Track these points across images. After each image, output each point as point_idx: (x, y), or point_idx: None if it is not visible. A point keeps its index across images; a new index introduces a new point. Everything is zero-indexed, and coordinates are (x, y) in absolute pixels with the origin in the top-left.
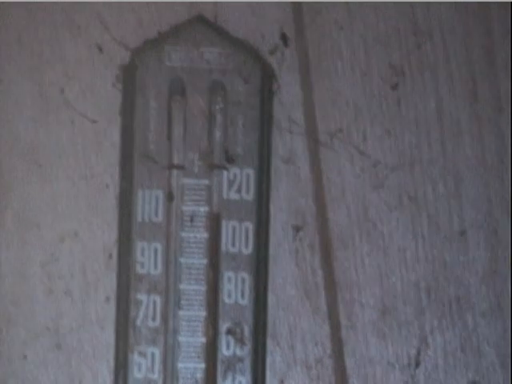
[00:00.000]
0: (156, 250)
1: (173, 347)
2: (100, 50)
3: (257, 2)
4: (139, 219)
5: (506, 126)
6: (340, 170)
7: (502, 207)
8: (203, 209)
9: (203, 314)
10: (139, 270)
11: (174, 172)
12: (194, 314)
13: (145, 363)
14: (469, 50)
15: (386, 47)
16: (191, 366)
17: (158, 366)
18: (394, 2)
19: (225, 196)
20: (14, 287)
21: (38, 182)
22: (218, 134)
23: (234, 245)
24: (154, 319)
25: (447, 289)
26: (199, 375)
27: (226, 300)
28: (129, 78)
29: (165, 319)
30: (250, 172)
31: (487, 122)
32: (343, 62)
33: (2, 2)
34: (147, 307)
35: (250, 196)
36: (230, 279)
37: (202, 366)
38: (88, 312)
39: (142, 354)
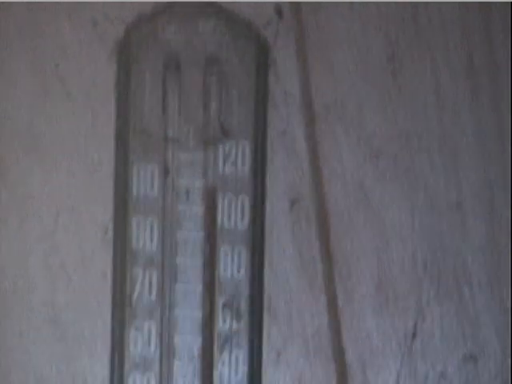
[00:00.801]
0: (152, 225)
1: (169, 321)
2: (94, 23)
3: None
4: (134, 194)
5: (504, 95)
6: (336, 141)
7: (499, 178)
8: (199, 182)
9: (200, 288)
10: (135, 244)
11: (169, 146)
12: (190, 288)
13: (141, 338)
14: (466, 20)
15: (382, 19)
16: (188, 339)
17: (154, 340)
18: None
19: (220, 169)
20: (9, 263)
21: (34, 156)
22: (213, 107)
23: (230, 218)
24: (150, 294)
25: (444, 260)
26: (196, 349)
27: (223, 274)
28: (123, 52)
29: (161, 293)
30: (246, 145)
31: (484, 91)
32: (339, 34)
33: None
34: (143, 282)
35: (245, 169)
36: (226, 253)
37: (199, 339)
38: (84, 287)
39: (139, 329)
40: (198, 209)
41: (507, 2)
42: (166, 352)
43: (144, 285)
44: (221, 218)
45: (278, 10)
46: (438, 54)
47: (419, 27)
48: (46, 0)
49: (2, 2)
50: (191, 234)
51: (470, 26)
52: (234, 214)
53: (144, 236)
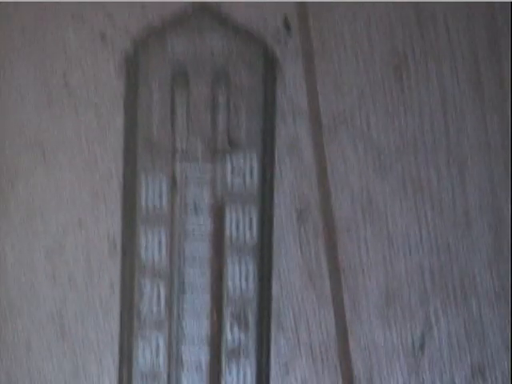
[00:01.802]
0: (160, 237)
1: (177, 333)
2: (103, 38)
3: None
4: (143, 206)
5: (509, 109)
6: (343, 154)
7: (505, 191)
8: (207, 194)
9: (207, 299)
10: (143, 256)
11: (178, 158)
12: (198, 300)
13: (149, 349)
14: (472, 34)
15: (388, 32)
16: (196, 351)
17: (162, 352)
18: None
19: (229, 181)
20: (18, 276)
21: (43, 170)
22: (221, 120)
23: (238, 230)
24: (158, 304)
25: (451, 273)
26: (204, 361)
27: (230, 284)
28: (132, 65)
29: (169, 306)
30: (254, 157)
31: (490, 106)
32: (346, 48)
33: None
34: (151, 294)
35: (253, 181)
36: (234, 265)
37: (207, 351)
38: (92, 299)
39: (147, 340)
40: (206, 221)
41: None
42: (174, 363)
43: (152, 297)
44: (229, 229)
45: (286, 23)
46: (444, 65)
47: (426, 39)
48: (54, 12)
49: (12, 18)
50: (199, 246)
51: (477, 37)
52: (242, 226)
53: (152, 248)
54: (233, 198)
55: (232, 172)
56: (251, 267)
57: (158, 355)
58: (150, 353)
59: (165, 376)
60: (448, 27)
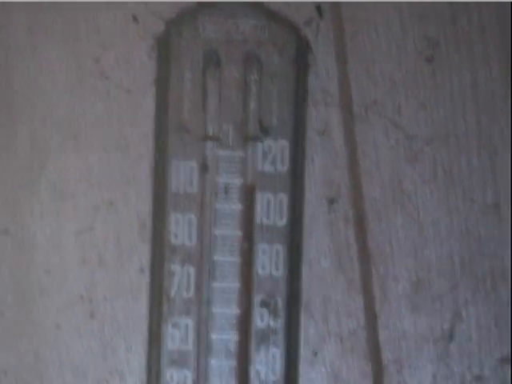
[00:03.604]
0: (190, 221)
1: (206, 318)
2: (135, 20)
3: None
4: (173, 190)
5: None
6: (374, 142)
7: None
8: (238, 180)
9: (237, 285)
10: (173, 240)
11: (209, 143)
12: (227, 285)
13: (178, 334)
14: (504, 22)
15: (421, 19)
16: (225, 337)
17: (191, 337)
18: None
19: (259, 168)
20: (48, 257)
21: (73, 152)
22: (252, 105)
23: (268, 217)
24: (187, 290)
25: (481, 262)
26: (232, 346)
27: (260, 272)
28: (164, 48)
29: (199, 290)
30: (285, 144)
31: None
32: (378, 34)
33: None
34: (181, 278)
35: (284, 168)
36: (264, 251)
37: (236, 337)
38: (121, 282)
39: (176, 325)
40: (236, 206)
41: None
42: (203, 349)
43: (182, 281)
44: (259, 215)
45: (319, 9)
46: (476, 52)
47: (458, 28)
48: None
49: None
50: (229, 232)
51: (509, 26)
52: (272, 213)
53: (182, 232)
54: (263, 183)
55: (263, 158)
56: (281, 253)
57: (186, 339)
58: (178, 337)
59: (194, 362)
60: (480, 14)
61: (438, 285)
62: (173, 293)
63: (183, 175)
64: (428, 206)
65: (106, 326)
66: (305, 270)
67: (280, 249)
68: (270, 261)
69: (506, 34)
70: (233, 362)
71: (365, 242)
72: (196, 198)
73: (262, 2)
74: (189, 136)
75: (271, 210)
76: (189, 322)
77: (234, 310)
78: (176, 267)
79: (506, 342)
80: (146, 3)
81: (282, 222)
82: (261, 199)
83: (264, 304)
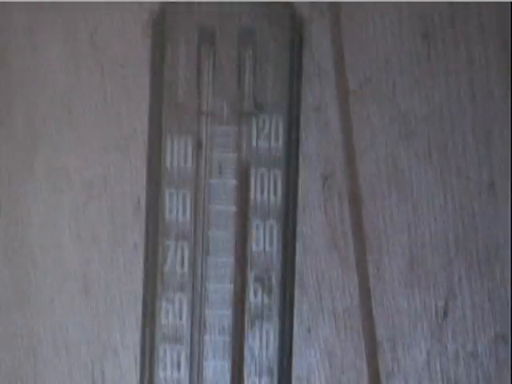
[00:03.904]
0: (184, 197)
1: (200, 294)
2: None
3: None
4: (168, 166)
5: None
6: (369, 119)
7: None
8: (232, 156)
9: (231, 261)
10: (167, 216)
11: (203, 119)
12: (222, 260)
13: (172, 310)
14: (500, 1)
15: None
16: (219, 313)
17: (185, 312)
18: None
19: (254, 143)
20: (42, 233)
21: (68, 129)
22: (247, 81)
23: (262, 192)
24: (181, 266)
25: (475, 239)
26: (226, 322)
27: (254, 247)
28: (158, 24)
29: (193, 266)
30: (279, 120)
31: None
32: (373, 12)
33: None
34: (175, 254)
35: (278, 144)
36: (258, 227)
37: (230, 313)
38: (115, 258)
39: (170, 301)
40: (230, 182)
41: None
42: (197, 324)
43: (176, 257)
44: (253, 192)
45: None
46: (472, 31)
47: (454, 6)
48: None
49: None
50: (224, 208)
51: (505, 5)
52: (266, 189)
53: (176, 208)
54: (258, 160)
55: (257, 135)
56: (275, 230)
57: (181, 317)
58: (172, 314)
59: (188, 338)
60: None
61: (432, 262)
62: (167, 268)
63: (177, 151)
64: (422, 183)
65: (99, 301)
66: (299, 247)
67: (274, 225)
68: (263, 237)
69: (503, 14)
70: (227, 338)
71: (359, 219)
72: (190, 173)
73: None
74: (183, 112)
75: (265, 185)
76: (183, 297)
77: (228, 286)
78: (170, 243)
79: (500, 319)
80: None
81: (277, 198)
82: (255, 175)
83: (258, 280)
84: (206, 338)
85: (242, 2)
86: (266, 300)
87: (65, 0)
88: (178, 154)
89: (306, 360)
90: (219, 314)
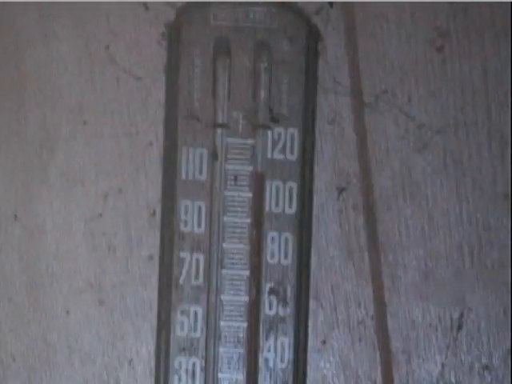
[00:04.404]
0: (200, 209)
1: (215, 306)
2: (146, 7)
3: None
4: (183, 177)
5: None
6: (384, 131)
7: None
8: (247, 168)
9: (246, 273)
10: (183, 228)
11: (219, 131)
12: (237, 273)
13: (187, 322)
14: None
15: (431, 9)
16: (234, 325)
17: (200, 324)
18: None
19: (269, 156)
20: (57, 243)
21: (83, 138)
22: (262, 93)
23: (277, 205)
24: (197, 278)
25: (490, 252)
26: (241, 334)
27: (269, 260)
28: (174, 36)
29: (208, 278)
30: (295, 132)
31: None
32: (389, 23)
33: None
34: (190, 266)
35: (294, 156)
36: (273, 239)
37: (245, 325)
38: (131, 269)
39: (185, 313)
40: (245, 194)
41: None
42: (212, 336)
43: (191, 269)
44: (268, 204)
45: None
46: (487, 41)
47: (469, 17)
48: None
49: None
50: (238, 219)
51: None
52: (281, 201)
53: (192, 220)
54: (273, 172)
55: (272, 146)
56: (290, 241)
57: (195, 328)
58: (188, 326)
59: (203, 350)
60: (491, 3)
61: (447, 274)
62: (182, 280)
63: (193, 162)
64: (437, 195)
65: (114, 313)
66: (314, 259)
67: (289, 237)
68: (278, 249)
69: None
70: (241, 350)
71: (374, 231)
72: (205, 185)
73: None
74: (199, 123)
75: (280, 198)
76: (198, 309)
77: (242, 298)
78: (185, 254)
79: None
80: None
81: (292, 210)
82: (270, 187)
83: (273, 292)
84: (221, 350)
85: (257, 13)
86: (280, 312)
87: (81, 12)
88: (193, 165)
89: (321, 372)
90: (234, 326)
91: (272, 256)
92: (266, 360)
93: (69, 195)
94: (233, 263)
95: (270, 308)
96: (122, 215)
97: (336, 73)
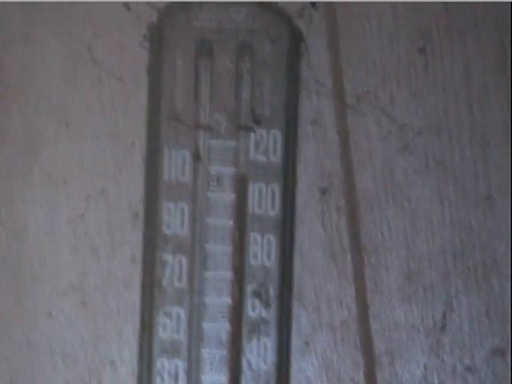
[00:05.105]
0: (182, 210)
1: (198, 308)
2: (128, 8)
3: None
4: (166, 179)
5: None
6: (367, 132)
7: None
8: (230, 170)
9: (229, 274)
10: (165, 229)
11: (201, 132)
12: (219, 274)
13: (170, 323)
14: (497, 10)
15: (413, 10)
16: (216, 326)
17: (183, 326)
18: None
19: (251, 157)
20: (39, 244)
21: (65, 140)
22: (245, 94)
23: (260, 206)
24: (179, 280)
25: (473, 253)
26: (224, 336)
27: (252, 261)
28: (156, 37)
29: (190, 280)
30: (277, 133)
31: None
32: (371, 25)
33: None
34: (173, 267)
35: (276, 158)
36: (256, 241)
37: (227, 327)
38: (113, 271)
39: (168, 315)
40: (228, 196)
41: None
42: (195, 338)
43: (173, 270)
44: (251, 205)
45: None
46: (469, 42)
47: (451, 18)
48: None
49: None
50: (221, 221)
51: (502, 13)
52: (264, 202)
53: (174, 221)
54: (256, 173)
55: (255, 147)
56: (273, 243)
57: (178, 330)
58: (170, 328)
59: (185, 351)
60: (473, 5)
61: (430, 275)
62: (165, 282)
63: (175, 164)
64: (420, 196)
65: (97, 314)
66: (296, 260)
67: (272, 238)
68: (261, 250)
69: (500, 25)
70: (224, 352)
71: (357, 232)
72: (188, 187)
73: None
74: (181, 125)
75: (263, 199)
76: (180, 311)
77: (225, 300)
78: (168, 256)
79: (498, 332)
80: None
81: (274, 211)
82: (253, 189)
83: (256, 294)
84: (204, 351)
85: (240, 14)
86: (263, 313)
87: (63, 13)
88: (175, 167)
89: (304, 373)
90: (217, 328)
91: (255, 257)
92: (249, 362)
93: (51, 196)
94: (215, 265)
95: (253, 310)
96: (104, 216)
97: (318, 74)
